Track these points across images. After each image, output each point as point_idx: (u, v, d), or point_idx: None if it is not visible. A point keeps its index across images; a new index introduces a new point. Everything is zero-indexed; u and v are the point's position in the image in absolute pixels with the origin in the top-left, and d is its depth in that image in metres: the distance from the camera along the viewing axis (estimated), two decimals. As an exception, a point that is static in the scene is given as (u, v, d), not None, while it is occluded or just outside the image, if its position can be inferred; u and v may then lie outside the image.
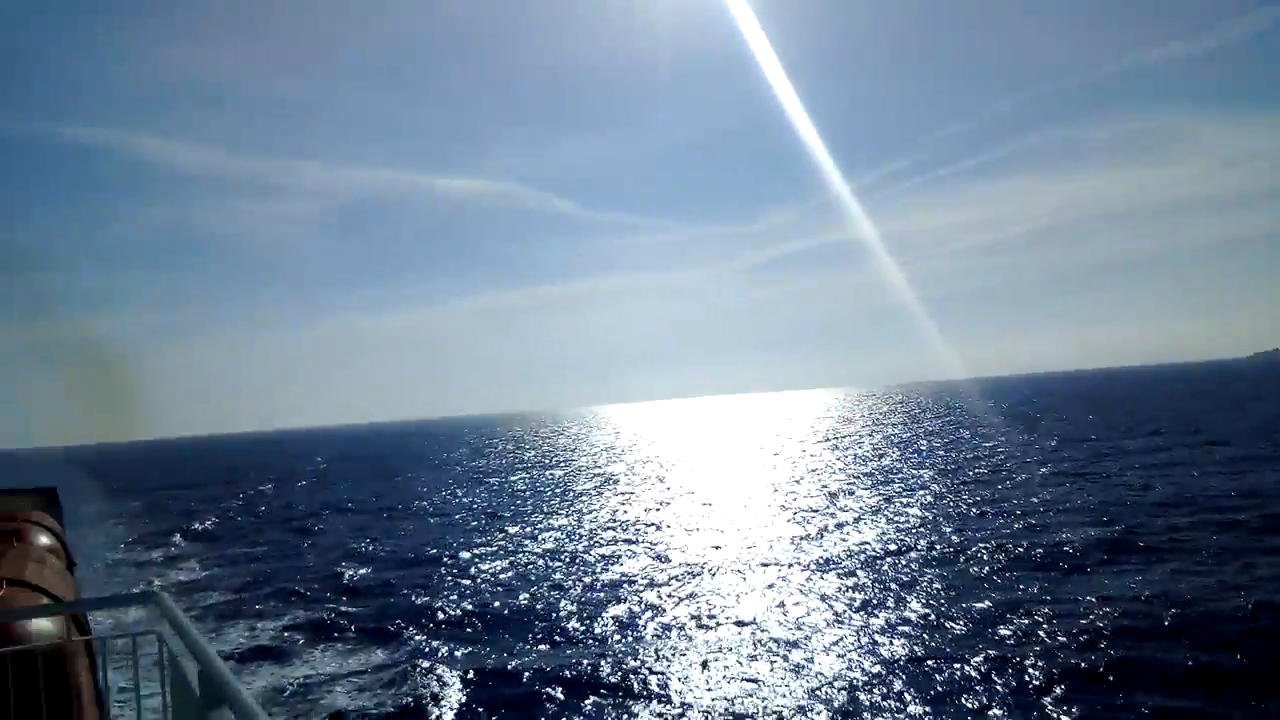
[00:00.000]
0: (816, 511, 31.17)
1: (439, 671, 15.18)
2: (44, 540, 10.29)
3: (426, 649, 17.06)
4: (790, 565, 22.29)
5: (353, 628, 19.12)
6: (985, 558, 21.32)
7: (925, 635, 15.58)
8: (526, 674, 14.89)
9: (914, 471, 42.22)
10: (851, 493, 35.82)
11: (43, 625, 5.64)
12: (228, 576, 26.93)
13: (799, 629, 16.51)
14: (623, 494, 42.66)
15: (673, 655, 15.44)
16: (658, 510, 35.20)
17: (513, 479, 56.70)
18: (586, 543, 28.28)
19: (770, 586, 20.16)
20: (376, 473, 73.51)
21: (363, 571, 25.75)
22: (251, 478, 78.39)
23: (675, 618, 17.97)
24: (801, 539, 25.99)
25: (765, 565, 22.54)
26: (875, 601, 18.21)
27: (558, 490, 46.99)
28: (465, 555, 27.25)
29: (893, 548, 23.38)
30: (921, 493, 34.14)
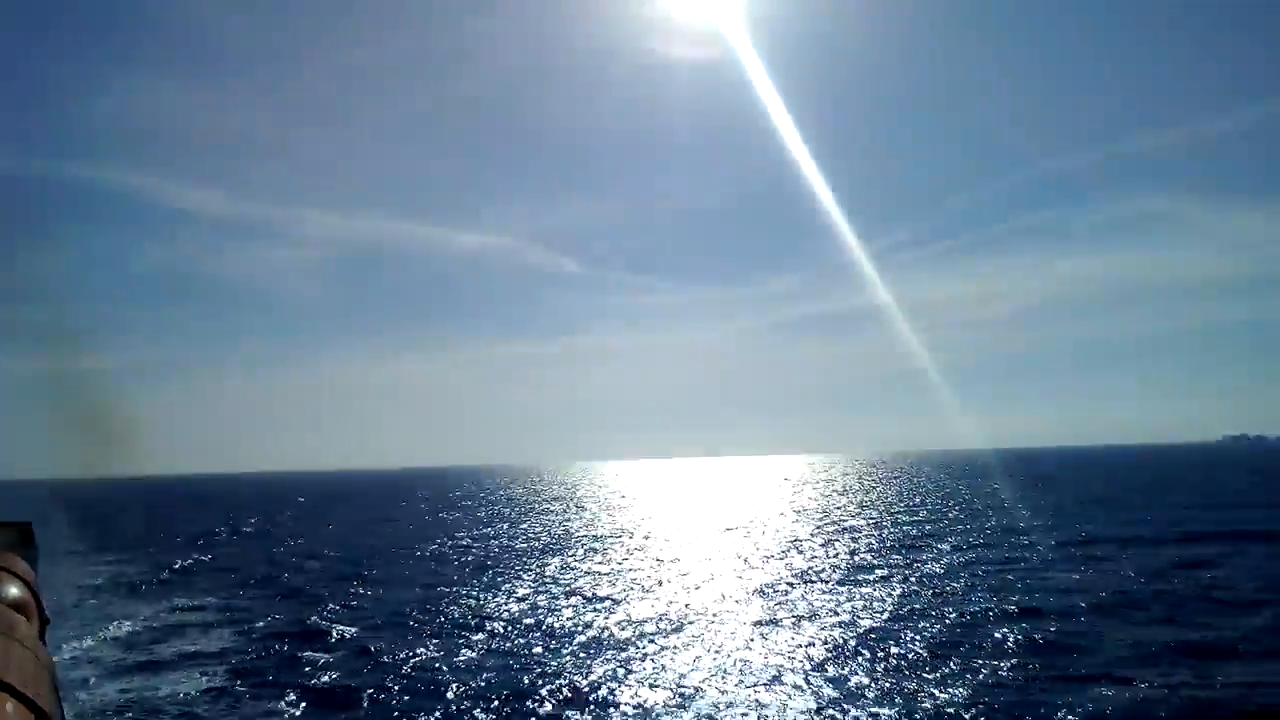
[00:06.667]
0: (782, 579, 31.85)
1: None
2: (14, 592, 9.30)
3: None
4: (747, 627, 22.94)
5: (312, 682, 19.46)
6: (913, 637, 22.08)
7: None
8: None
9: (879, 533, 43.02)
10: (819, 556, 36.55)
11: None
12: (198, 623, 26.96)
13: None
14: (586, 553, 42.98)
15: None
16: (619, 570, 35.68)
17: (485, 531, 56.87)
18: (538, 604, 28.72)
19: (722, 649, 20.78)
20: (353, 521, 73.23)
21: (333, 623, 26.02)
22: (237, 518, 77.99)
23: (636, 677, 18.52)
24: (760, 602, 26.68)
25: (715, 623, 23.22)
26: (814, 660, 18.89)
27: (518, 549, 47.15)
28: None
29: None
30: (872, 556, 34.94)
